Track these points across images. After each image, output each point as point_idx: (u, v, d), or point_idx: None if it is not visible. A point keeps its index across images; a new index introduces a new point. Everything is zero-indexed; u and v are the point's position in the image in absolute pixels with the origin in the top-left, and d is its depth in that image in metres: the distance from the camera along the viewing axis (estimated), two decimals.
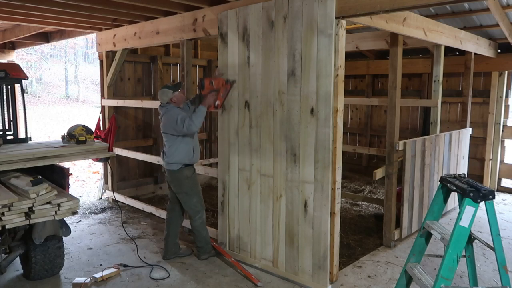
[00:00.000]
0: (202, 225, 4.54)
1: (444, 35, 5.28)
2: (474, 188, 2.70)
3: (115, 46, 6.40)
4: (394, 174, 4.87)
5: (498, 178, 7.54)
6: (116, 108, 6.76)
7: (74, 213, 3.80)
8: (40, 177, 3.70)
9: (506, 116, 7.47)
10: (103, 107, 6.82)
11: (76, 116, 22.04)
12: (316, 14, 3.67)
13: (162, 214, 5.82)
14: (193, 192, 4.46)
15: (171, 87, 4.40)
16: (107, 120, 6.74)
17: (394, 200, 4.93)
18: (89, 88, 29.79)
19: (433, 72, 5.94)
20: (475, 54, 6.58)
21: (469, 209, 2.64)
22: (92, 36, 12.47)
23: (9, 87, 5.08)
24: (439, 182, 3.08)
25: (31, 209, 3.49)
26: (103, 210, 6.43)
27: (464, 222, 2.64)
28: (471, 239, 2.94)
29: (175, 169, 4.37)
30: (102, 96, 6.81)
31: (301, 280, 3.99)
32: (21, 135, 5.25)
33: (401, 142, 4.75)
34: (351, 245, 4.98)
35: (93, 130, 6.89)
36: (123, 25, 6.19)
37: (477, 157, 7.58)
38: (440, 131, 6.02)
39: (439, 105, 5.92)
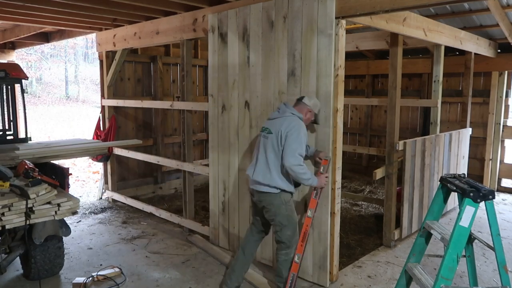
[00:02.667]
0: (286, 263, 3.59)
1: (444, 35, 5.27)
2: (474, 188, 2.70)
3: (115, 46, 6.40)
4: (394, 174, 4.87)
5: (498, 178, 7.54)
6: (116, 108, 6.76)
7: (74, 213, 3.79)
8: (39, 177, 3.69)
9: (506, 116, 7.46)
10: (103, 107, 6.82)
11: (76, 116, 22.05)
12: (316, 14, 3.67)
13: (162, 214, 5.82)
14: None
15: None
16: (107, 120, 6.74)
17: (394, 200, 4.93)
18: (89, 88, 29.79)
19: (433, 72, 5.94)
20: (475, 54, 6.57)
21: (469, 209, 2.64)
22: (92, 36, 12.47)
23: (9, 87, 5.09)
24: (439, 182, 3.08)
25: (31, 209, 3.49)
26: (103, 210, 6.43)
27: (464, 222, 2.64)
28: (471, 239, 2.94)
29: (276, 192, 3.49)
30: (102, 96, 6.81)
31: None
32: (21, 135, 5.26)
33: (401, 142, 4.75)
34: (351, 245, 4.98)
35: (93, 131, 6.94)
36: (123, 25, 6.19)
37: (477, 157, 7.58)
38: (440, 131, 6.01)
39: (439, 105, 5.92)
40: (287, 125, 3.37)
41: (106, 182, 6.97)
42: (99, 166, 8.23)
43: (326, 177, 3.58)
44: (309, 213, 3.56)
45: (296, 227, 3.55)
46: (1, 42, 8.13)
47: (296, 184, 3.58)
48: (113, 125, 6.63)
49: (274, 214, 3.48)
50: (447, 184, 2.95)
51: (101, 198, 7.10)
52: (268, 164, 3.42)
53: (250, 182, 3.61)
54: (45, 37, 7.81)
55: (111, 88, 6.70)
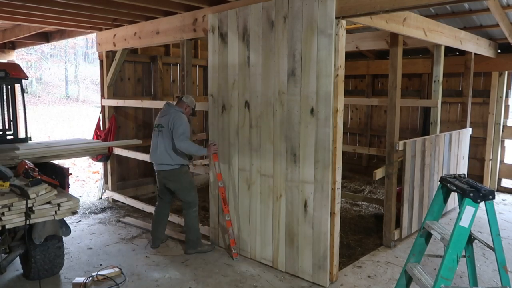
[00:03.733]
0: (196, 219, 4.75)
1: (444, 35, 5.27)
2: (474, 188, 2.70)
3: (115, 46, 6.40)
4: (394, 174, 4.87)
5: (498, 178, 7.54)
6: (116, 108, 6.76)
7: (74, 213, 3.80)
8: (39, 177, 3.69)
9: (506, 116, 7.46)
10: (103, 107, 6.82)
11: (76, 116, 22.05)
12: (316, 14, 3.67)
13: None
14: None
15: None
16: (107, 120, 6.74)
17: (394, 200, 4.93)
18: (89, 88, 29.78)
19: (433, 72, 5.94)
20: (475, 54, 6.57)
21: (469, 209, 2.64)
22: (92, 36, 12.48)
23: (9, 87, 5.09)
24: (439, 182, 3.08)
25: (31, 209, 3.49)
26: (103, 210, 6.43)
27: (464, 222, 2.64)
28: (471, 239, 2.94)
29: (177, 168, 4.63)
30: (102, 96, 6.81)
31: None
32: (21, 135, 5.26)
33: (401, 142, 4.75)
34: (351, 245, 4.98)
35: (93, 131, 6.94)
36: (123, 25, 6.19)
37: (477, 157, 7.58)
38: (440, 131, 6.01)
39: (439, 105, 5.92)
40: (171, 119, 4.47)
41: (106, 182, 6.97)
42: (99, 166, 8.23)
43: (214, 145, 4.65)
44: (220, 184, 4.53)
45: (196, 189, 4.75)
46: (1, 42, 8.13)
47: (190, 157, 4.89)
48: (113, 125, 6.63)
49: (179, 183, 4.60)
50: (447, 184, 2.95)
51: (101, 198, 7.10)
52: (166, 149, 4.51)
53: (155, 166, 4.67)
54: (45, 37, 7.81)
55: (111, 88, 6.70)
